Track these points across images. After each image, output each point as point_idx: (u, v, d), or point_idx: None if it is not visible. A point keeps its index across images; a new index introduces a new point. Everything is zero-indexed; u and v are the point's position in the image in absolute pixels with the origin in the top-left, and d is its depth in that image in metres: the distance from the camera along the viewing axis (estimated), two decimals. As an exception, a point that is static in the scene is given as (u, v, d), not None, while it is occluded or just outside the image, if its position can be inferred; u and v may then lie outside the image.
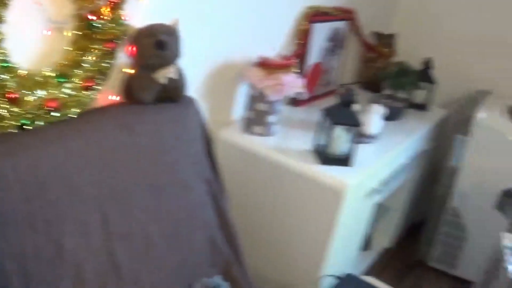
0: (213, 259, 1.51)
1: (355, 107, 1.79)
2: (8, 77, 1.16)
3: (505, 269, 1.53)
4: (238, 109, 2.08)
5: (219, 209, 1.58)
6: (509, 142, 2.32)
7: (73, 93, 1.29)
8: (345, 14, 2.51)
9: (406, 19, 2.98)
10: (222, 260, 1.52)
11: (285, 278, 1.96)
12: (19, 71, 1.20)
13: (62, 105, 1.26)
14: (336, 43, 2.50)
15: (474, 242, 2.53)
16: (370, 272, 2.55)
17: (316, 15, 2.25)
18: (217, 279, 1.46)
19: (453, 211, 2.52)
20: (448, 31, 2.88)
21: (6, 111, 1.17)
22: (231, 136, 1.96)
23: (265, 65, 1.90)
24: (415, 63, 2.61)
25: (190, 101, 1.58)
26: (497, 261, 1.65)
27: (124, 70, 1.47)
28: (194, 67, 1.62)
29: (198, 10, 1.68)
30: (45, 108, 1.23)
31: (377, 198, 2.09)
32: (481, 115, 2.40)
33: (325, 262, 1.86)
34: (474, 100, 2.67)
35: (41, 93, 1.22)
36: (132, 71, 1.47)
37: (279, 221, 1.93)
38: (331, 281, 1.83)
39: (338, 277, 1.84)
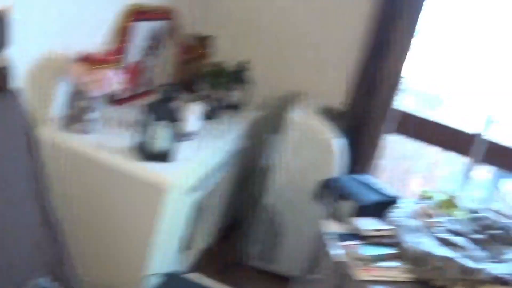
0: (39, 260, 1.49)
1: (175, 104, 1.91)
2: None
3: (328, 253, 1.81)
4: (59, 105, 2.05)
5: (43, 208, 1.56)
6: (320, 140, 2.63)
7: None
8: (165, 14, 2.62)
9: (226, 21, 3.16)
10: (49, 260, 1.51)
11: (111, 277, 1.99)
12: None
13: None
14: (156, 42, 2.60)
15: (290, 238, 2.75)
16: (191, 272, 2.59)
17: (137, 13, 2.33)
18: (45, 281, 1.49)
19: (268, 208, 2.73)
20: (266, 33, 3.12)
21: None
22: (51, 134, 1.94)
23: (86, 60, 1.92)
24: (234, 65, 2.82)
25: (13, 94, 1.53)
26: (318, 248, 1.99)
27: None
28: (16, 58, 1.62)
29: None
30: None
31: (196, 196, 2.23)
32: (294, 114, 2.66)
33: (148, 261, 1.94)
34: (288, 100, 2.94)
35: None
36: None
37: (103, 220, 1.96)
38: (154, 280, 1.91)
39: (161, 276, 1.92)
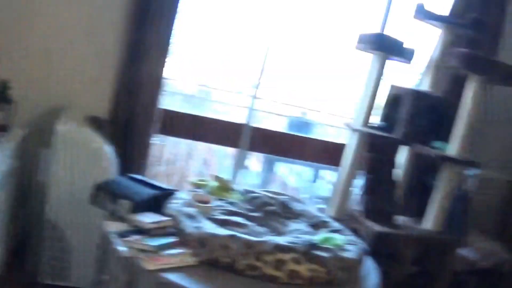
0: None
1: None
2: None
3: (114, 252, 1.77)
4: None
5: None
6: (90, 150, 2.60)
7: None
8: None
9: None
10: None
11: None
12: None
13: None
14: None
15: (79, 249, 2.66)
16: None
17: None
18: None
19: (51, 224, 2.61)
20: (27, 48, 2.95)
21: None
22: None
23: None
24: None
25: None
26: (104, 250, 1.98)
27: None
28: None
29: None
30: None
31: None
32: (61, 127, 2.59)
33: None
34: (54, 114, 2.81)
35: None
36: None
37: None
38: None
39: None
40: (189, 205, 2.11)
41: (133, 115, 3.01)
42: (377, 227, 2.65)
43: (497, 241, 3.73)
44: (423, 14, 3.13)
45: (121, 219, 2.03)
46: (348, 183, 3.17)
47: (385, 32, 3.55)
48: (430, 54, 3.53)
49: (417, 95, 2.95)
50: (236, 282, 1.74)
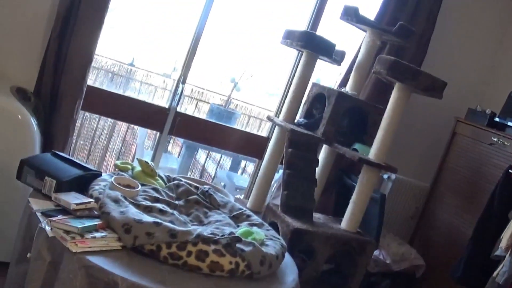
0: None
1: None
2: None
3: (38, 231, 1.82)
4: None
5: None
6: (14, 122, 2.60)
7: None
8: None
9: None
10: None
11: None
12: None
13: None
14: None
15: (3, 223, 2.65)
16: None
17: None
18: None
19: None
20: None
21: None
22: None
23: None
24: None
25: None
26: (28, 228, 1.99)
27: None
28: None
29: None
30: None
31: None
32: None
33: None
34: None
35: None
36: None
37: None
38: None
39: None
40: (114, 188, 2.18)
41: (60, 90, 3.00)
42: (295, 223, 2.83)
43: (410, 245, 4.06)
44: (349, 16, 3.32)
45: (47, 197, 2.07)
46: (268, 176, 3.35)
47: (317, 32, 3.76)
48: (354, 56, 3.77)
49: (340, 96, 3.15)
50: (159, 269, 1.85)
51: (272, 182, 3.60)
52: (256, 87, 5.44)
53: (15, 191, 2.53)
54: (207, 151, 5.32)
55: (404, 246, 3.92)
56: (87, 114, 4.10)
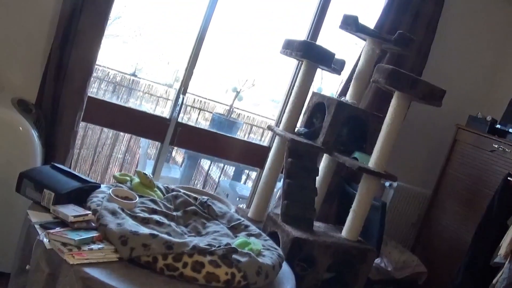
0: None
1: None
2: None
3: (36, 243, 1.85)
4: None
5: None
6: (15, 133, 2.65)
7: None
8: None
9: None
10: None
11: None
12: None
13: None
14: None
15: (3, 234, 2.69)
16: None
17: None
18: None
19: None
20: None
21: None
22: None
23: None
24: None
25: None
26: (27, 240, 2.03)
27: None
28: None
29: None
30: None
31: None
32: None
33: None
34: None
35: None
36: None
37: None
38: None
39: None
40: (112, 200, 2.22)
41: (61, 101, 3.05)
42: (295, 232, 2.85)
43: (412, 252, 4.07)
44: (349, 25, 3.35)
45: (46, 210, 2.11)
46: (269, 186, 3.38)
47: (317, 42, 3.79)
48: (354, 65, 3.80)
49: (340, 105, 3.17)
50: (155, 281, 1.88)
51: (275, 191, 3.63)
52: (259, 95, 5.47)
53: (16, 203, 2.57)
54: (210, 160, 5.35)
55: (406, 254, 3.93)
56: (91, 124, 4.14)
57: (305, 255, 2.90)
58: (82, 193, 2.26)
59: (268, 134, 4.50)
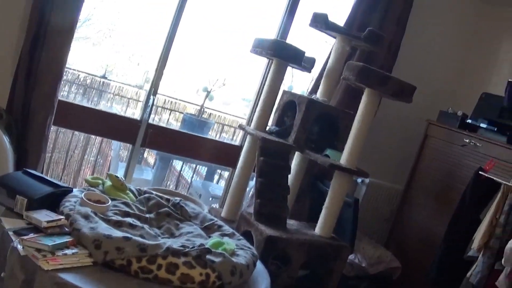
0: None
1: None
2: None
3: (10, 250, 1.87)
4: None
5: None
6: None
7: None
8: None
9: None
10: None
11: None
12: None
13: None
14: None
15: None
16: None
17: None
18: None
19: None
20: None
21: None
22: None
23: None
24: None
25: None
26: (2, 245, 2.05)
27: None
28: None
29: None
30: None
31: None
32: None
33: None
34: None
35: None
36: None
37: None
38: None
39: None
40: (84, 204, 2.25)
41: (31, 104, 3.06)
42: (268, 231, 2.91)
43: (386, 248, 4.16)
44: (318, 23, 3.41)
45: (18, 216, 2.13)
46: (242, 185, 3.44)
47: (287, 40, 3.86)
48: (324, 63, 3.87)
49: (311, 102, 3.24)
50: (130, 283, 1.92)
51: (248, 190, 3.68)
52: (230, 94, 5.52)
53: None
54: (183, 161, 5.38)
55: (380, 249, 4.02)
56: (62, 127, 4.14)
57: (279, 253, 2.96)
58: (55, 198, 2.29)
59: (240, 133, 4.55)
